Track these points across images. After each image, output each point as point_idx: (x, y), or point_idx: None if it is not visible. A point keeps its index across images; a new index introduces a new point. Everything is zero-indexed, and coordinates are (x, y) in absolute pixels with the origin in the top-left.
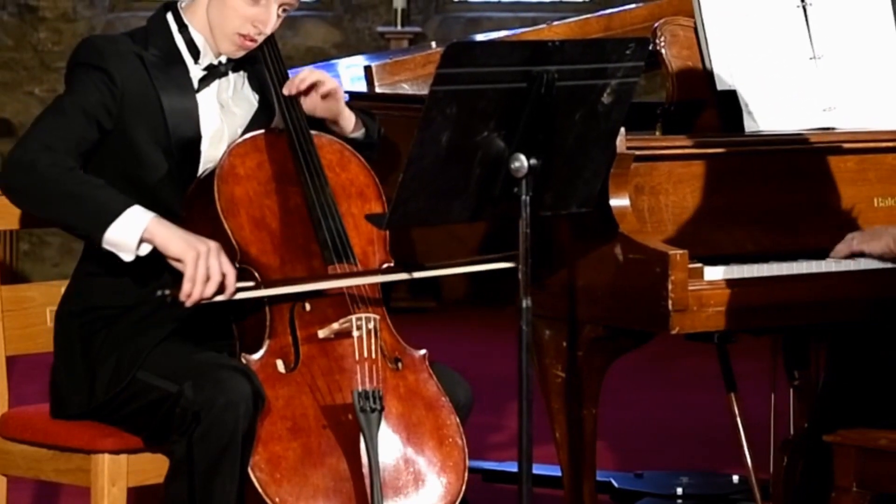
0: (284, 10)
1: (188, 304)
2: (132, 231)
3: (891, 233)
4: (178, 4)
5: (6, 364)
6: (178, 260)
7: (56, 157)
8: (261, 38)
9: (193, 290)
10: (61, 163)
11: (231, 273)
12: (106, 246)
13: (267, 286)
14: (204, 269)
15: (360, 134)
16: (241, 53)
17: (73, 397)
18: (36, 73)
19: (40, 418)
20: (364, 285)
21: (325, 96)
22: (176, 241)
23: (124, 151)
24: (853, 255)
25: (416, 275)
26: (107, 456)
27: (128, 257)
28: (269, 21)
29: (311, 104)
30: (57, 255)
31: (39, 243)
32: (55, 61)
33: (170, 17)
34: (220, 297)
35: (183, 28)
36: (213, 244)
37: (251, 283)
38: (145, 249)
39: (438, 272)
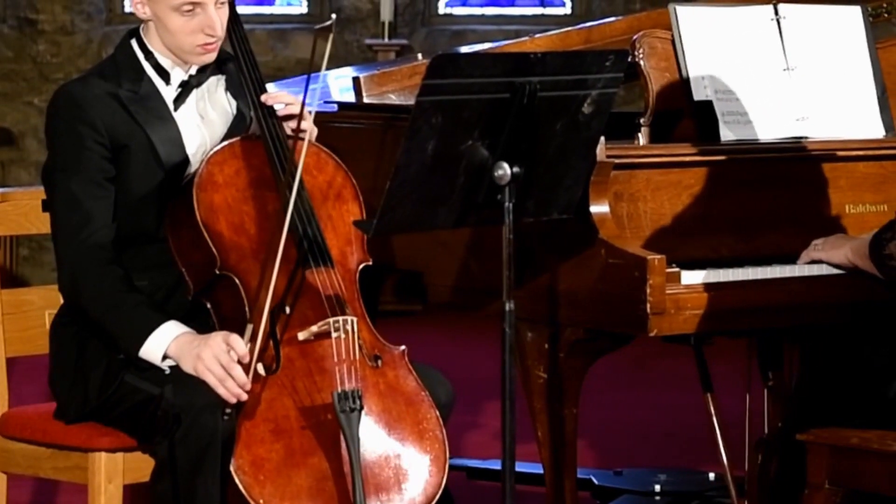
0: (222, 3)
1: (234, 401)
2: (156, 354)
3: (849, 244)
4: (140, 30)
5: (6, 365)
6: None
7: (95, 278)
8: (220, 38)
9: (226, 393)
10: (100, 285)
11: (241, 349)
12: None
13: (255, 319)
14: (221, 374)
15: None
16: (211, 58)
17: (70, 403)
18: (35, 84)
19: (39, 418)
20: (341, 287)
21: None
22: (185, 365)
23: (119, 183)
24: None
25: None
26: (103, 454)
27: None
28: (215, 22)
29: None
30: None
31: (38, 248)
32: (53, 72)
33: (135, 45)
34: (246, 374)
35: (149, 55)
36: (212, 345)
37: (249, 329)
38: (171, 362)
39: None
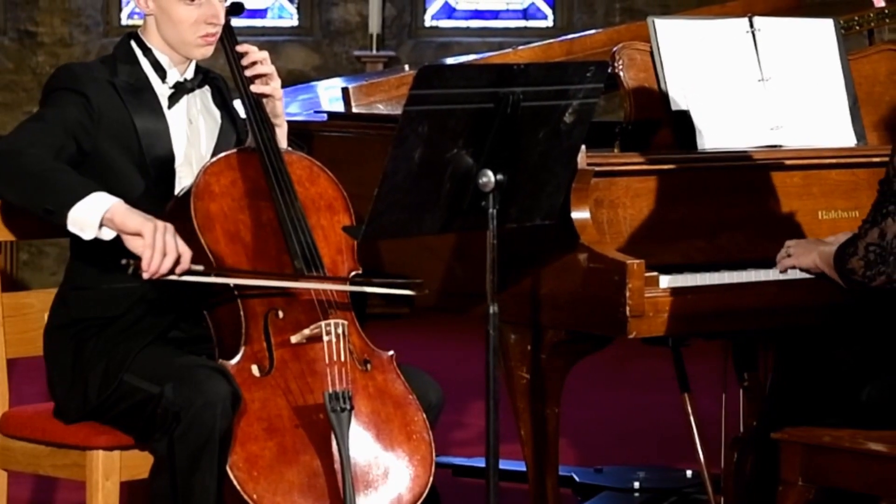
0: None
1: (146, 275)
2: (95, 211)
3: (818, 250)
4: (139, 31)
5: (7, 366)
6: (137, 234)
7: (41, 150)
8: (220, 30)
9: (153, 260)
10: (44, 154)
11: (187, 253)
12: (70, 227)
13: (217, 275)
14: (161, 243)
15: None
16: (209, 52)
17: (70, 404)
18: (35, 95)
19: (39, 417)
20: (332, 292)
21: (264, 95)
22: (134, 217)
23: (105, 173)
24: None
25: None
26: (101, 452)
27: (87, 236)
28: (218, 12)
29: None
30: (54, 265)
31: (38, 254)
32: None
33: (133, 43)
34: (172, 277)
35: (147, 52)
36: (168, 224)
37: (202, 268)
38: (108, 234)
39: (342, 287)
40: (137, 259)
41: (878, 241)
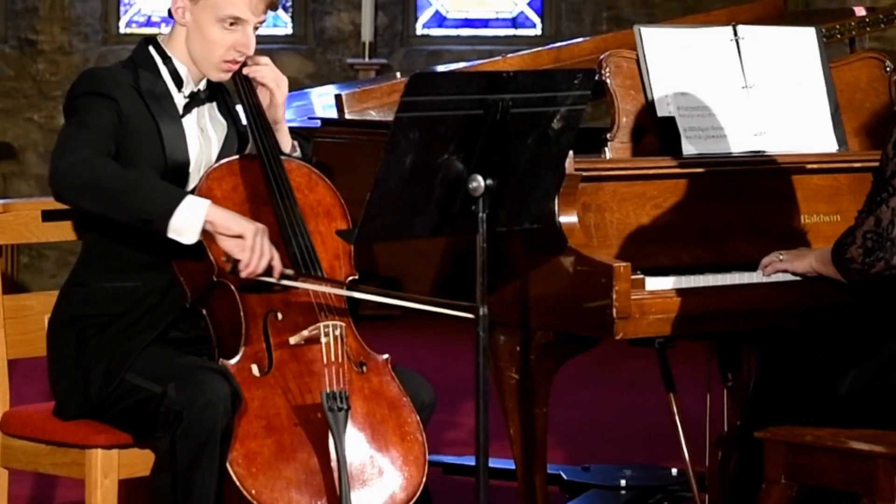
0: (257, 27)
1: (245, 274)
2: (195, 217)
3: (813, 254)
4: (157, 38)
5: (7, 367)
6: (239, 236)
7: (105, 158)
8: (244, 59)
9: (251, 260)
10: (109, 162)
11: (277, 257)
12: (171, 234)
13: (304, 280)
14: (260, 245)
15: (293, 153)
16: (228, 77)
17: (70, 401)
18: (35, 101)
19: (39, 416)
20: (330, 295)
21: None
22: (236, 220)
23: None
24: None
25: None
26: (100, 451)
27: (190, 240)
28: (250, 43)
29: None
30: (54, 268)
31: (38, 256)
32: (52, 90)
33: (152, 50)
34: (268, 278)
35: (166, 59)
36: (263, 226)
37: (291, 272)
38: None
39: (405, 303)
40: (236, 259)
41: (875, 228)
